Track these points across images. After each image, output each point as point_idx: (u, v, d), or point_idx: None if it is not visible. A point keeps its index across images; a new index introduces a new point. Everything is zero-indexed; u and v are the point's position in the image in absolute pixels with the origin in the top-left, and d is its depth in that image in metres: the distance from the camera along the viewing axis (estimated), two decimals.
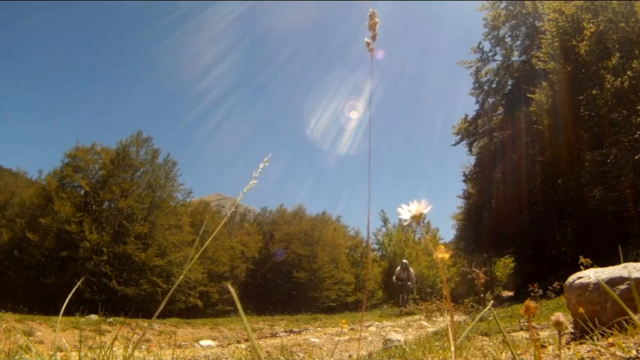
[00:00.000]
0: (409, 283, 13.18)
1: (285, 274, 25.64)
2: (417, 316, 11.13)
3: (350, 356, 3.49)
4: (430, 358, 1.59)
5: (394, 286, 14.37)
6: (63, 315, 8.05)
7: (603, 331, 1.35)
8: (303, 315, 14.79)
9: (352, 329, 6.87)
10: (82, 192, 18.81)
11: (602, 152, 11.12)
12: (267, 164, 0.99)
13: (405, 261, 13.80)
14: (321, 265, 26.03)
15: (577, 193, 12.51)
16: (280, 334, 8.24)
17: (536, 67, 13.74)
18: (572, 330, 1.66)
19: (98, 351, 1.23)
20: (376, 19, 0.98)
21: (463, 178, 21.60)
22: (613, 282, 1.50)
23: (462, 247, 23.77)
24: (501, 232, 17.98)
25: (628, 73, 10.40)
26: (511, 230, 17.25)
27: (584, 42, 11.05)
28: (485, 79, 19.56)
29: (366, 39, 0.99)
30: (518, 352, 1.46)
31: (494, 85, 19.63)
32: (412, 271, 13.54)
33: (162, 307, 1.01)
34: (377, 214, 30.97)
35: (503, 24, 18.52)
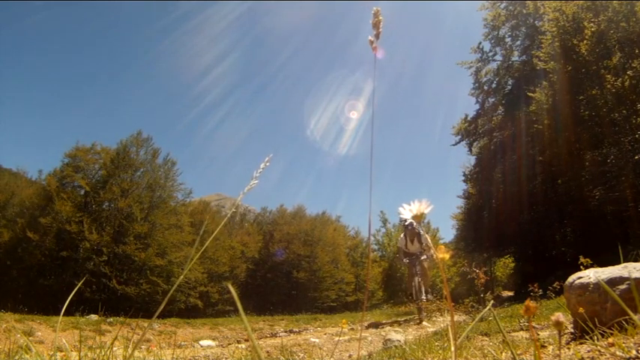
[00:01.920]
0: (423, 257, 7.72)
1: (285, 274, 25.65)
2: (417, 316, 11.12)
3: (350, 356, 3.49)
4: (430, 358, 1.59)
5: (405, 268, 8.95)
6: (63, 315, 8.05)
7: (603, 331, 1.35)
8: (303, 315, 14.80)
9: (352, 329, 6.88)
10: (82, 192, 18.83)
11: (602, 152, 11.12)
12: (268, 164, 0.99)
13: (411, 221, 7.00)
14: (321, 265, 26.04)
15: (577, 193, 12.52)
16: (280, 334, 8.24)
17: (537, 67, 13.73)
18: (572, 330, 1.66)
19: (98, 351, 1.23)
20: (380, 17, 0.97)
21: (463, 178, 21.61)
22: (613, 282, 1.50)
23: (462, 247, 23.77)
24: (501, 232, 17.98)
25: (628, 72, 10.40)
26: (511, 230, 17.25)
27: (585, 42, 11.05)
28: (485, 79, 19.55)
29: (370, 37, 0.98)
30: (518, 352, 1.46)
31: (494, 85, 19.63)
32: (427, 236, 6.97)
33: (162, 307, 1.01)
34: (376, 215, 30.97)
35: (503, 24, 18.51)
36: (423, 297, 7.34)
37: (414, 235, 7.81)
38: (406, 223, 7.83)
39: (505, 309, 6.77)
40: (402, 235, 8.07)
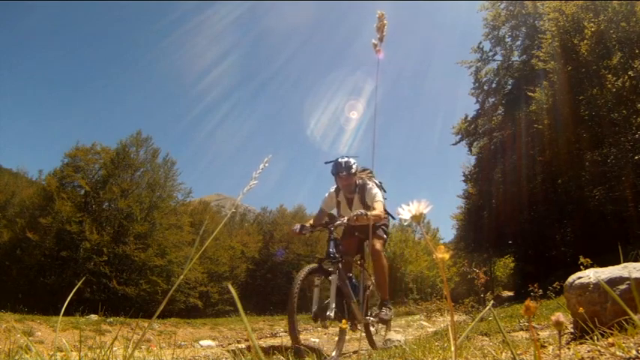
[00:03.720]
0: (339, 222, 3.37)
1: (285, 274, 25.65)
2: (417, 316, 11.14)
3: (350, 356, 3.50)
4: (430, 358, 1.59)
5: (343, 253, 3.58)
6: (63, 315, 8.06)
7: (603, 331, 1.35)
8: (303, 315, 14.76)
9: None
10: (82, 192, 18.84)
11: (602, 152, 11.13)
12: (267, 165, 0.99)
13: (347, 159, 3.60)
14: None
15: (577, 193, 12.52)
16: (280, 334, 8.24)
17: (537, 68, 13.75)
18: (572, 330, 1.66)
19: (98, 351, 1.24)
20: (384, 21, 0.98)
21: (463, 178, 21.63)
22: (613, 282, 1.50)
23: (462, 247, 23.78)
24: (501, 232, 18.00)
25: (629, 72, 10.40)
26: (511, 230, 17.27)
27: (585, 41, 11.05)
28: (485, 79, 19.58)
29: (373, 40, 0.99)
30: (518, 352, 1.46)
31: (494, 85, 19.65)
32: (379, 193, 3.65)
33: (162, 307, 1.01)
34: None
35: (504, 24, 18.54)
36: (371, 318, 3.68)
37: (352, 190, 3.70)
38: (340, 161, 3.62)
39: (505, 309, 6.78)
40: (331, 190, 3.86)
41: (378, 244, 3.63)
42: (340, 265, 3.26)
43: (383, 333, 3.96)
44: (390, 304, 3.72)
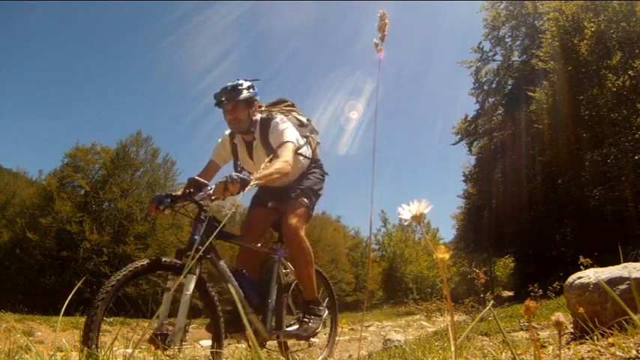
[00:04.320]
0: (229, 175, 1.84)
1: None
2: (417, 316, 11.16)
3: (350, 356, 3.50)
4: (430, 358, 1.59)
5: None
6: (63, 315, 8.06)
7: (603, 331, 1.35)
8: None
9: (352, 329, 6.88)
10: (82, 192, 18.85)
11: (602, 152, 11.13)
12: (267, 164, 0.99)
13: (239, 82, 2.26)
14: (321, 265, 26.00)
15: (577, 193, 12.52)
16: None
17: (537, 68, 13.76)
18: (572, 330, 1.66)
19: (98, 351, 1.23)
20: (386, 21, 0.97)
21: (463, 178, 21.62)
22: (613, 282, 1.50)
23: (462, 247, 23.76)
24: (501, 232, 17.98)
25: (629, 72, 10.41)
26: (511, 230, 17.25)
27: (585, 41, 11.06)
28: (485, 79, 19.58)
29: (375, 40, 0.99)
30: (518, 352, 1.46)
31: (494, 85, 19.65)
32: (286, 127, 2.27)
33: (162, 307, 1.02)
34: (377, 214, 30.95)
35: (503, 24, 18.54)
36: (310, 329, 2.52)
37: (247, 128, 2.36)
38: (228, 87, 2.28)
39: (505, 309, 6.78)
40: (226, 133, 2.53)
41: (293, 219, 2.31)
42: (215, 258, 2.22)
43: (384, 333, 3.57)
44: (321, 309, 2.47)
